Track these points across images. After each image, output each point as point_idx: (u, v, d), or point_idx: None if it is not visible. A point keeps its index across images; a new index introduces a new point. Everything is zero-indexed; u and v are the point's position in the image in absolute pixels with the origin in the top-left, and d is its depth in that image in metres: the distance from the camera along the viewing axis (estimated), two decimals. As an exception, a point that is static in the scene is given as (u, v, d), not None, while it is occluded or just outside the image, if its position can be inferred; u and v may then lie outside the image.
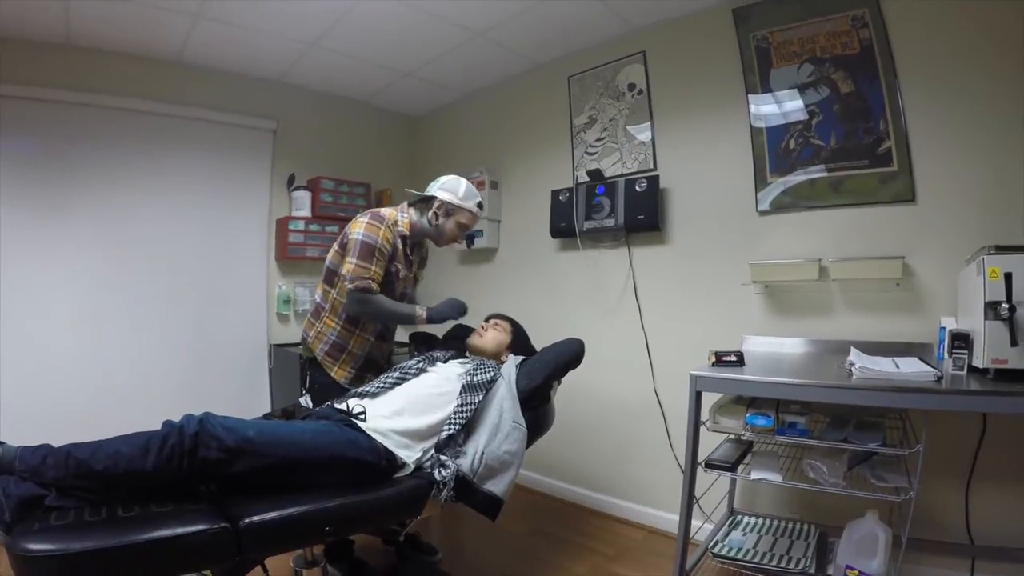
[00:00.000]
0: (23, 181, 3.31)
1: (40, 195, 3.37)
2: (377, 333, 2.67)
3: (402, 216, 2.61)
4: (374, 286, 2.44)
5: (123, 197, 3.63)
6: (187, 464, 1.67)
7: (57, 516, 1.54)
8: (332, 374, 2.60)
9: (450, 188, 2.61)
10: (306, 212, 4.20)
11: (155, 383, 3.72)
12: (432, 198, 2.61)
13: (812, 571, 2.20)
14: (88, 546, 1.45)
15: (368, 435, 2.01)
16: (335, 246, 2.60)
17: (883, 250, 2.51)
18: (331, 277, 2.58)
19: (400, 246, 2.59)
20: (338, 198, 4.32)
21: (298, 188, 4.21)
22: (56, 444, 1.66)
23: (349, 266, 2.43)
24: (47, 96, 3.34)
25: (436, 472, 2.05)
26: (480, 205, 2.66)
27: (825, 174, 2.70)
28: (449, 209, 2.60)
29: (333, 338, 2.61)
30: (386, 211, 2.60)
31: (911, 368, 1.96)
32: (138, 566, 1.55)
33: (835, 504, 2.33)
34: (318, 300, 2.68)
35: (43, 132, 3.36)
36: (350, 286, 2.42)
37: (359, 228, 2.47)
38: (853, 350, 2.16)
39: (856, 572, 2.00)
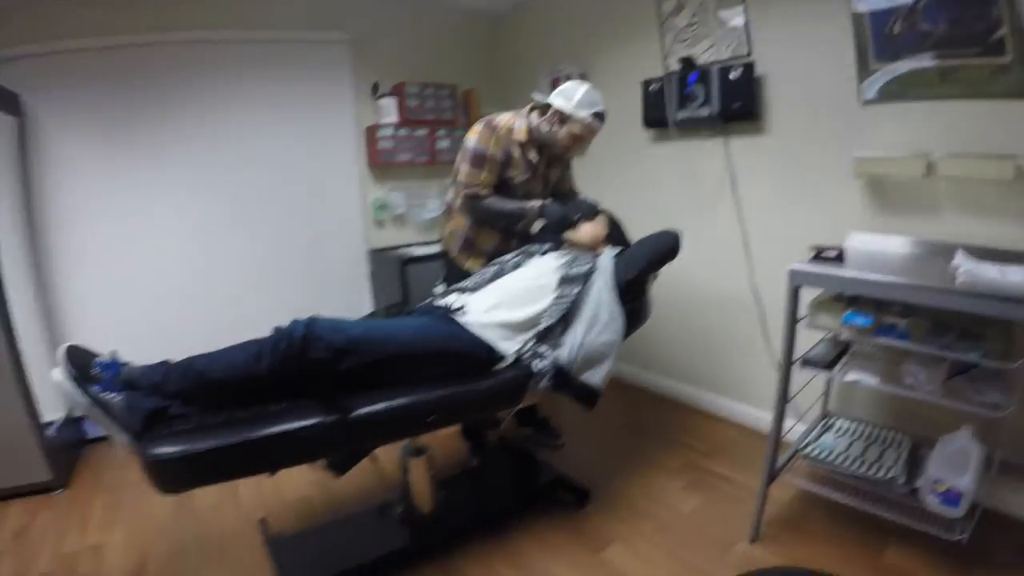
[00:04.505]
0: (120, 127, 3.52)
1: (135, 138, 3.57)
2: (501, 230, 2.78)
3: (520, 123, 2.64)
4: (482, 192, 2.61)
5: (212, 128, 3.79)
6: (298, 366, 1.77)
7: (181, 422, 1.67)
8: (466, 267, 2.76)
9: (566, 94, 2.58)
10: (393, 118, 4.23)
11: (262, 295, 3.98)
12: (550, 103, 2.61)
13: (901, 481, 2.16)
14: (211, 445, 1.59)
15: (468, 329, 2.08)
16: None
17: (995, 147, 2.27)
18: (456, 178, 2.70)
19: (517, 153, 2.63)
20: (424, 101, 4.32)
21: (383, 95, 4.23)
22: (174, 360, 1.79)
23: (462, 173, 2.63)
24: (127, 42, 3.46)
25: (534, 363, 2.11)
26: (600, 115, 2.58)
27: (933, 62, 2.44)
28: (563, 116, 2.57)
29: (463, 235, 2.79)
30: (502, 118, 2.64)
31: (1020, 277, 1.80)
32: (258, 460, 1.71)
33: (930, 415, 2.26)
34: (449, 200, 2.84)
35: (130, 77, 3.51)
36: (462, 192, 2.65)
37: (472, 136, 2.61)
38: (959, 253, 2.01)
39: (945, 487, 1.96)
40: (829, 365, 2.26)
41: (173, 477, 1.63)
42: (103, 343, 1.80)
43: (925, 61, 2.47)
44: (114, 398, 1.62)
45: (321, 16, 4.09)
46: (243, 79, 3.85)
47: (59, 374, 1.59)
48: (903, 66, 2.54)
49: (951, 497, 1.95)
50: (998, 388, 1.98)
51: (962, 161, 2.36)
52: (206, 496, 2.74)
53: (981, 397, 1.97)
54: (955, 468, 1.98)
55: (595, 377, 2.20)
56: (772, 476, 2.35)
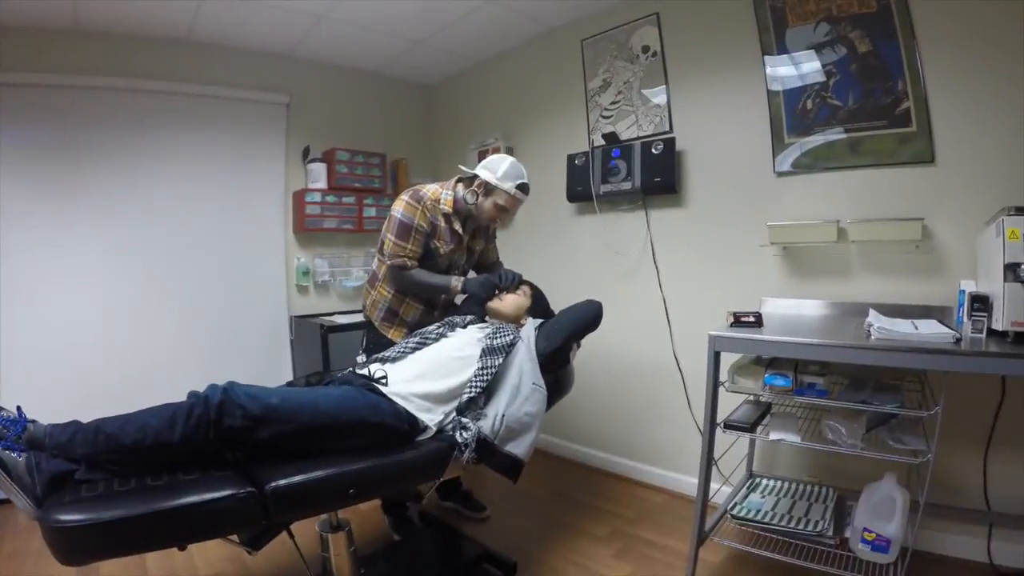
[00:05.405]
0: (41, 168, 3.38)
1: (58, 181, 3.44)
2: (424, 301, 2.77)
3: (446, 194, 2.66)
4: (409, 263, 2.60)
5: (139, 178, 3.68)
6: (213, 433, 1.69)
7: (87, 488, 1.56)
8: (388, 337, 2.73)
9: (491, 167, 2.62)
10: (322, 184, 4.23)
11: (179, 356, 3.81)
12: (476, 175, 2.64)
13: (830, 533, 2.20)
14: (118, 514, 1.47)
15: (390, 399, 2.03)
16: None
17: (902, 212, 2.47)
18: (382, 248, 2.70)
19: (443, 224, 2.65)
20: (353, 168, 4.34)
21: (313, 160, 4.23)
22: (84, 420, 1.69)
23: (388, 243, 2.61)
24: (58, 82, 3.39)
25: (458, 434, 2.06)
26: (524, 187, 2.63)
27: (843, 135, 2.67)
28: (488, 188, 2.61)
29: (386, 305, 2.77)
30: (428, 189, 2.65)
31: (930, 330, 1.94)
32: (167, 532, 1.58)
33: (853, 467, 2.35)
34: (373, 268, 2.83)
35: (56, 118, 3.41)
36: (387, 262, 2.63)
37: (399, 207, 2.59)
38: (872, 311, 2.15)
39: (873, 535, 2.01)
40: (752, 427, 2.31)
41: (76, 547, 1.50)
42: (9, 399, 1.69)
43: (835, 134, 2.69)
44: (16, 458, 1.51)
45: (261, 76, 4.11)
46: (176, 132, 3.80)
47: None
48: (815, 139, 2.75)
49: (880, 543, 2.00)
50: (917, 435, 2.10)
51: (871, 225, 2.54)
52: (112, 569, 2.55)
53: (901, 446, 2.07)
54: (882, 515, 2.05)
55: (519, 448, 2.16)
56: (702, 539, 2.34)
